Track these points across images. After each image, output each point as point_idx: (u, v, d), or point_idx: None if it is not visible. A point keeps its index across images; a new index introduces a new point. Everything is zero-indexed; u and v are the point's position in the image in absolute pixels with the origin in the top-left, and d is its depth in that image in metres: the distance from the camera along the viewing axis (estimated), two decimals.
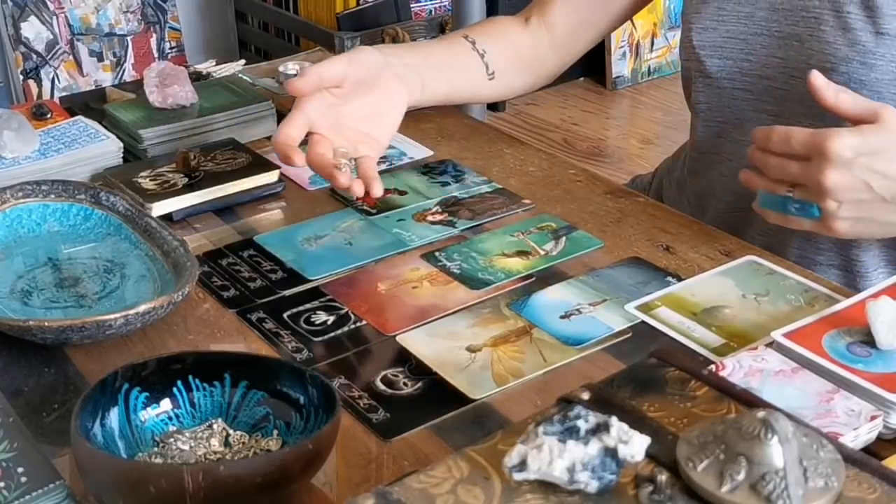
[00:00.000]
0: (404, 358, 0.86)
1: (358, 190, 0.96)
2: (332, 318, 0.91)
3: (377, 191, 0.98)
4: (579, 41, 1.26)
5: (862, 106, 0.92)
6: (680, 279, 0.96)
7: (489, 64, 1.19)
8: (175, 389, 0.76)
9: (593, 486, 0.59)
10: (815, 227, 0.93)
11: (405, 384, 0.83)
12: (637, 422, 0.64)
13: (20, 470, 0.68)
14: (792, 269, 0.97)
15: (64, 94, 2.66)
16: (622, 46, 3.48)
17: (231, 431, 0.75)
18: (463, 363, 0.85)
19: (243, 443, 0.75)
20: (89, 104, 1.33)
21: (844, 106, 0.93)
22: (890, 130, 0.90)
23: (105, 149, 1.16)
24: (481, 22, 1.28)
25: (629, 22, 3.46)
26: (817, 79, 0.94)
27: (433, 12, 3.20)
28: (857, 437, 0.72)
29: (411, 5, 3.13)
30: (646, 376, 0.71)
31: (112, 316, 0.83)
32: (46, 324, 0.83)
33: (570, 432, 0.60)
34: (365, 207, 1.09)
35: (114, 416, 0.73)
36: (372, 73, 1.04)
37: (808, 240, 1.12)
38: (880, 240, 1.10)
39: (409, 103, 1.09)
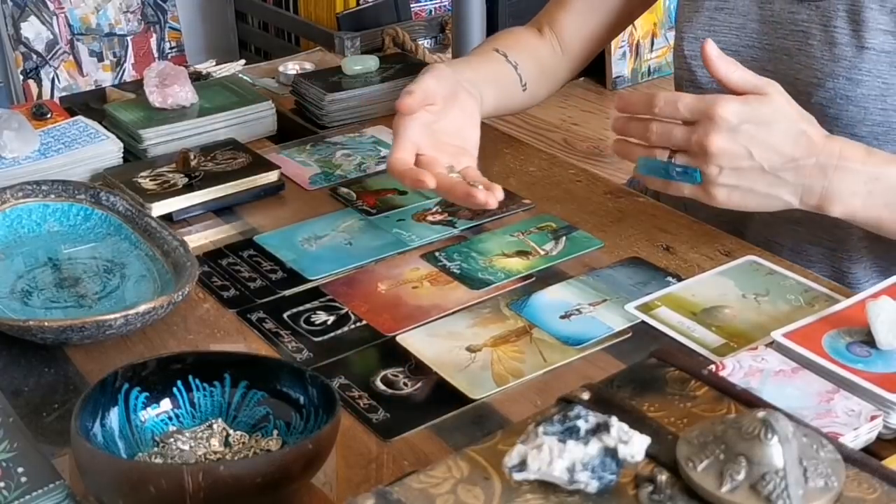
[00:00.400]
0: (404, 358, 0.86)
1: (493, 201, 0.95)
2: (332, 318, 0.91)
3: (501, 192, 0.96)
4: (588, 48, 1.27)
5: (750, 80, 0.93)
6: (680, 279, 0.96)
7: (522, 76, 1.20)
8: (175, 389, 0.76)
9: (593, 486, 0.59)
10: (695, 193, 0.95)
11: (405, 384, 0.83)
12: (637, 422, 0.64)
13: (20, 470, 0.68)
14: (792, 270, 0.97)
15: (64, 94, 2.66)
16: (622, 46, 3.48)
17: (231, 431, 0.75)
18: (463, 363, 0.85)
19: (243, 443, 0.75)
20: (89, 104, 1.33)
21: (733, 78, 0.93)
22: (775, 104, 0.92)
23: (105, 149, 1.16)
24: (503, 34, 1.28)
25: None
26: (711, 49, 0.94)
27: (433, 12, 3.19)
28: (857, 437, 0.72)
29: (411, 5, 3.13)
30: (646, 376, 0.71)
31: (112, 316, 0.83)
32: (46, 324, 0.83)
33: (570, 432, 0.60)
34: (365, 207, 1.09)
35: (114, 416, 0.73)
36: (454, 89, 1.05)
37: (798, 252, 1.11)
38: (870, 251, 1.09)
39: (479, 113, 1.09)
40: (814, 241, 1.11)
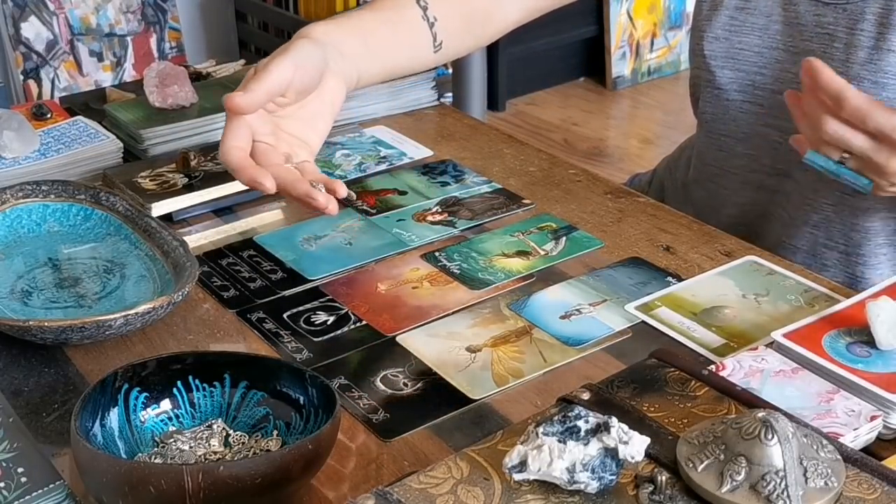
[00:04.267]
0: (404, 358, 0.86)
1: (333, 207, 0.85)
2: (332, 318, 0.91)
3: (343, 191, 0.86)
4: None
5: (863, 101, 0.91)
6: (680, 279, 0.96)
7: (437, 34, 1.02)
8: (175, 390, 0.76)
9: (593, 487, 0.59)
10: (857, 189, 0.96)
11: (405, 384, 0.83)
12: (637, 422, 0.64)
13: (20, 470, 0.68)
14: (792, 269, 0.97)
15: (64, 94, 2.66)
16: (622, 46, 3.48)
17: (231, 431, 0.75)
18: (463, 363, 0.85)
19: (243, 443, 0.75)
20: (89, 104, 1.33)
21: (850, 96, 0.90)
22: None
23: (105, 149, 1.16)
24: None
25: (629, 22, 3.47)
26: (817, 65, 0.90)
27: None
28: (857, 437, 0.72)
29: None
30: (646, 376, 0.71)
31: (112, 316, 0.83)
32: (46, 324, 0.83)
33: (570, 433, 0.60)
34: (365, 207, 1.09)
35: (114, 417, 0.73)
36: (316, 78, 0.90)
37: (814, 256, 1.11)
38: (890, 258, 1.09)
39: (343, 99, 0.95)
40: (830, 244, 1.10)
